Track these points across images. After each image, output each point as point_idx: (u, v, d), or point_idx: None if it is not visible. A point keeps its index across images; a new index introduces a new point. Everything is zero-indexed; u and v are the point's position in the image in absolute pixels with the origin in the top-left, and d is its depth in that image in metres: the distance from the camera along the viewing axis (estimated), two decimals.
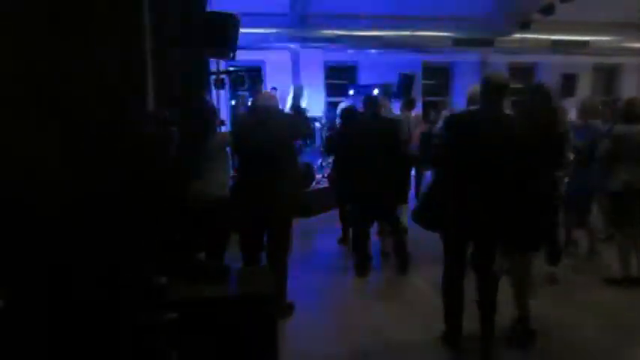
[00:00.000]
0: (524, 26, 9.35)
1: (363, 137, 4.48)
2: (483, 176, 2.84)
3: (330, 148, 5.96)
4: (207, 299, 2.29)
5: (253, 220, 3.46)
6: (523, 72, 12.38)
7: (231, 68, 7.03)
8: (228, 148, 3.87)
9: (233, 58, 6.02)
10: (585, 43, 10.33)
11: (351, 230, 5.06)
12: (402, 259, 4.73)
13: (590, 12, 9.47)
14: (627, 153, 4.11)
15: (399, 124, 5.18)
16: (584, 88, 12.19)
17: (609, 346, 3.29)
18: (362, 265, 4.70)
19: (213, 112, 4.12)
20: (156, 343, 2.00)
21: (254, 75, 7.37)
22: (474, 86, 5.06)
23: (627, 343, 3.36)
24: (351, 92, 10.02)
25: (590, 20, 9.93)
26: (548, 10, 8.58)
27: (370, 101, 4.72)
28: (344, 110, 5.36)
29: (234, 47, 5.78)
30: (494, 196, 2.83)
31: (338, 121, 5.60)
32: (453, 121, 3.22)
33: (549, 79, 11.81)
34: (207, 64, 5.65)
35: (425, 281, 4.57)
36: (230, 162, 4.04)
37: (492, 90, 2.97)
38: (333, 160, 5.58)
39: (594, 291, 4.19)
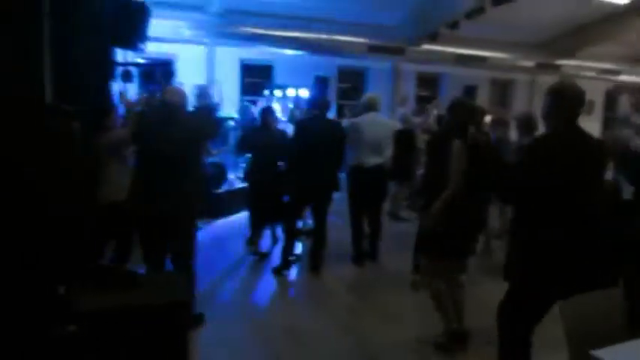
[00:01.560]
0: (432, 38, 9.86)
1: (314, 136, 4.59)
2: (579, 211, 2.37)
3: (243, 146, 5.85)
4: (114, 309, 2.13)
5: (155, 224, 3.25)
6: (429, 82, 13.07)
7: (140, 60, 6.66)
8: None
9: (142, 50, 5.70)
10: (484, 59, 11.13)
11: (280, 229, 5.26)
12: (317, 259, 4.79)
13: (490, 30, 10.23)
14: None
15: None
16: (483, 100, 13.13)
17: None
18: (289, 264, 4.80)
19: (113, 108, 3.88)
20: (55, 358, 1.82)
21: (165, 69, 7.01)
22: (370, 94, 5.33)
23: None
24: (267, 92, 9.95)
25: (490, 38, 10.72)
26: (453, 25, 9.12)
27: (320, 103, 4.77)
28: (262, 112, 5.38)
29: (143, 38, 5.48)
30: (591, 232, 2.38)
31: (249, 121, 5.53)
32: (536, 148, 2.53)
33: (453, 89, 12.61)
34: (112, 55, 5.31)
35: (336, 281, 4.66)
36: (129, 163, 3.80)
37: (577, 104, 2.41)
38: (249, 159, 5.49)
39: None
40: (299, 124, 4.77)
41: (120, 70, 5.74)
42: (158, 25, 7.20)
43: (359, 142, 4.84)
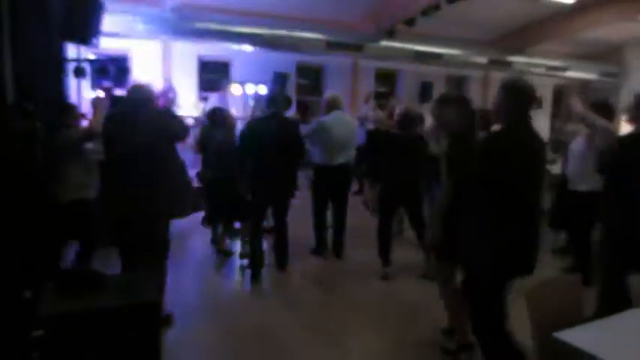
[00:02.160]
0: (390, 35, 10.00)
1: (267, 136, 4.45)
2: (530, 205, 2.49)
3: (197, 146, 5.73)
4: (83, 312, 2.05)
5: (128, 223, 3.15)
6: (387, 78, 13.26)
7: (93, 56, 6.47)
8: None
9: (96, 46, 5.53)
10: (440, 55, 11.39)
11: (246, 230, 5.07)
12: (282, 256, 4.77)
13: (446, 28, 10.49)
14: None
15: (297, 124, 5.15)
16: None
17: None
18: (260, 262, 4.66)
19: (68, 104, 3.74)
20: None
21: (120, 65, 6.80)
22: (332, 93, 5.32)
23: None
24: (225, 88, 9.83)
25: (445, 35, 10.99)
26: (410, 22, 9.29)
27: (275, 101, 4.67)
28: (212, 111, 5.29)
29: (97, 33, 5.31)
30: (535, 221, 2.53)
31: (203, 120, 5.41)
32: (496, 147, 2.50)
33: (410, 85, 12.84)
34: (63, 50, 5.12)
35: (302, 277, 4.66)
36: (91, 161, 3.70)
37: (529, 101, 2.45)
38: (203, 159, 5.39)
39: None
40: (248, 124, 4.71)
41: (73, 66, 5.55)
42: (112, 20, 6.99)
43: (327, 141, 4.84)
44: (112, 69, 6.61)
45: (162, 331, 2.77)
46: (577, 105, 3.81)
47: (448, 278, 3.15)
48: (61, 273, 2.29)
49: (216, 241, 5.48)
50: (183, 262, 4.99)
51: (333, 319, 3.79)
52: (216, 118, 5.16)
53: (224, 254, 5.22)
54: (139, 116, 3.09)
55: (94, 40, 5.36)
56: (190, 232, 6.16)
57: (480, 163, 2.47)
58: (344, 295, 4.28)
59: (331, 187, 5.03)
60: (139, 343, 2.14)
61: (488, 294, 2.51)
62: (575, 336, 1.81)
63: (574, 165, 4.53)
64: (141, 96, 3.17)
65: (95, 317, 2.07)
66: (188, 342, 3.32)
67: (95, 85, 7.55)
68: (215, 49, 10.00)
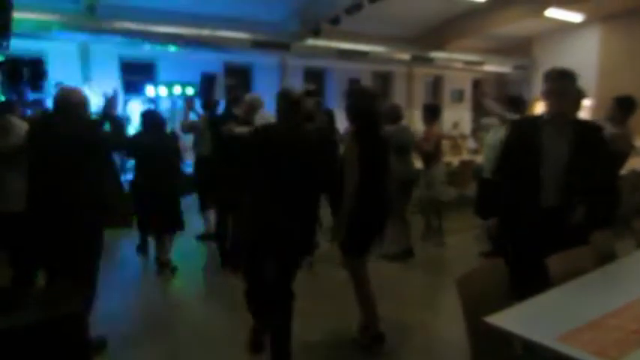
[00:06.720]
0: (316, 34, 10.15)
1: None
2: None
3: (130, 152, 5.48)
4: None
5: (45, 236, 2.96)
6: (316, 76, 13.42)
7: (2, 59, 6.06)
8: None
9: (6, 48, 5.21)
10: (365, 53, 11.71)
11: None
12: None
13: (369, 26, 10.80)
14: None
15: None
16: None
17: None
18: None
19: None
20: None
21: (36, 67, 6.42)
22: (252, 95, 5.28)
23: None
24: (151, 90, 9.58)
25: (369, 33, 11.31)
26: (335, 20, 9.49)
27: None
28: (144, 114, 5.11)
29: (7, 34, 5.00)
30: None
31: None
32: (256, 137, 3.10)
33: (338, 82, 13.09)
34: None
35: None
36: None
37: (290, 105, 2.94)
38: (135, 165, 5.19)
39: None
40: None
41: None
42: (23, 19, 6.58)
43: None
44: (26, 72, 6.24)
45: (92, 353, 2.62)
46: (489, 102, 4.34)
47: (357, 271, 3.16)
48: None
49: (142, 250, 5.33)
50: (109, 274, 4.75)
51: None
52: (147, 122, 4.98)
53: (166, 268, 4.87)
54: (62, 123, 2.92)
55: (4, 42, 5.06)
56: (115, 240, 5.93)
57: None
58: None
59: None
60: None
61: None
62: (503, 319, 1.88)
63: (485, 155, 4.95)
64: (69, 101, 2.98)
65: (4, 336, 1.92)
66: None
67: (8, 90, 7.08)
68: (138, 50, 9.66)
